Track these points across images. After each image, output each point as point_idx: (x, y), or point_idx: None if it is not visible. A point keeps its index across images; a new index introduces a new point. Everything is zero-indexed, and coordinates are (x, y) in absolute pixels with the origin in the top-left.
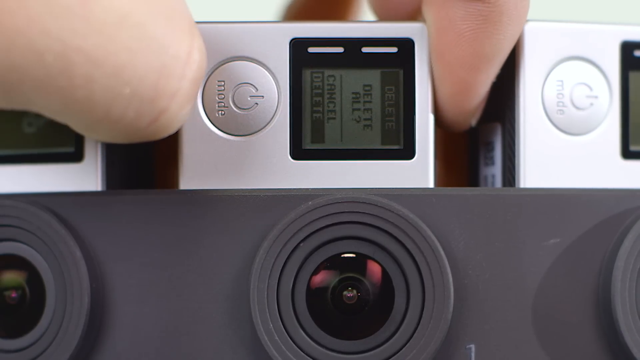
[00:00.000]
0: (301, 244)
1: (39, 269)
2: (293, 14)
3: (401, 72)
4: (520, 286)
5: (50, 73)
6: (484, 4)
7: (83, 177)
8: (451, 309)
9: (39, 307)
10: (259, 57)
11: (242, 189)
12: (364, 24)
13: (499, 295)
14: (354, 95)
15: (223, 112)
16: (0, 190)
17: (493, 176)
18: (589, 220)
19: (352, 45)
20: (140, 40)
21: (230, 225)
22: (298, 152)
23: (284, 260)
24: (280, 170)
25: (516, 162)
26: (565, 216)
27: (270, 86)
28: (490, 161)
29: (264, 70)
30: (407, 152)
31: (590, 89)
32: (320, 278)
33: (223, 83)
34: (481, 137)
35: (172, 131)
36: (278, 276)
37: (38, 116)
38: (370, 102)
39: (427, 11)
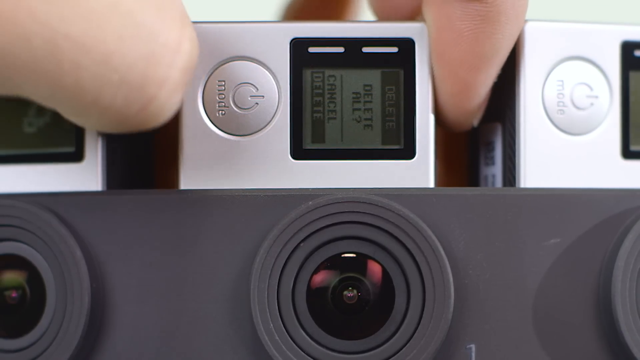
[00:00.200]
0: (301, 244)
1: (39, 268)
2: (292, 14)
3: (401, 72)
4: (520, 286)
5: (37, 58)
6: (481, 3)
7: (83, 177)
8: (451, 309)
9: (39, 307)
10: (259, 57)
11: (242, 189)
12: (364, 23)
13: (499, 295)
14: (355, 95)
15: (223, 112)
16: (0, 190)
17: (493, 176)
18: (589, 220)
19: (353, 45)
20: (129, 28)
21: (230, 225)
22: (298, 152)
23: (284, 260)
24: (281, 170)
25: (516, 162)
26: (566, 216)
27: (271, 86)
28: (490, 161)
29: (265, 70)
30: (407, 152)
31: (591, 88)
32: (320, 278)
33: (223, 83)
34: (481, 137)
35: (162, 120)
36: (278, 276)
37: (38, 116)
38: (370, 102)
39: (427, 11)
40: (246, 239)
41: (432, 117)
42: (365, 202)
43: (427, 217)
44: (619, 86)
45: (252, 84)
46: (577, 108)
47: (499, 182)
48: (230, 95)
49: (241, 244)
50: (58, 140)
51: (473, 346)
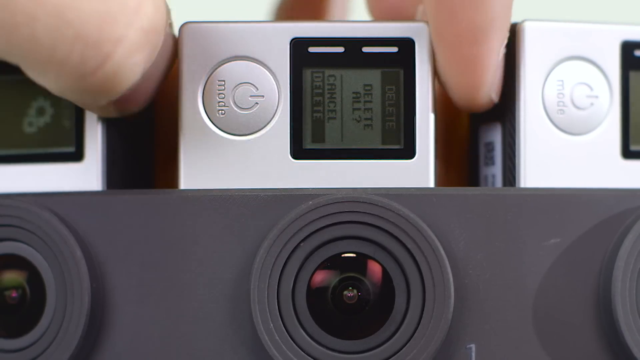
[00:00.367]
0: (301, 244)
1: (39, 268)
2: (283, 13)
3: (401, 71)
4: (520, 286)
5: None
6: None
7: (83, 177)
8: (452, 309)
9: (39, 307)
10: (259, 56)
11: (242, 189)
12: (364, 23)
13: (500, 295)
14: (355, 95)
15: (223, 112)
16: (0, 190)
17: (493, 176)
18: (589, 220)
19: (353, 45)
20: None
21: (230, 225)
22: (298, 151)
23: (284, 260)
24: (281, 170)
25: (516, 161)
26: (566, 216)
27: (271, 86)
28: (490, 161)
29: (265, 70)
30: (407, 151)
31: (591, 88)
32: (320, 278)
33: (223, 83)
34: (481, 137)
35: (124, 84)
36: (278, 276)
37: (38, 116)
38: (370, 101)
39: None
40: (246, 239)
41: (432, 117)
42: (365, 202)
43: (427, 217)
44: (619, 86)
45: (252, 84)
46: (577, 108)
47: (499, 182)
48: (230, 95)
49: (241, 244)
50: (58, 140)
51: (473, 346)
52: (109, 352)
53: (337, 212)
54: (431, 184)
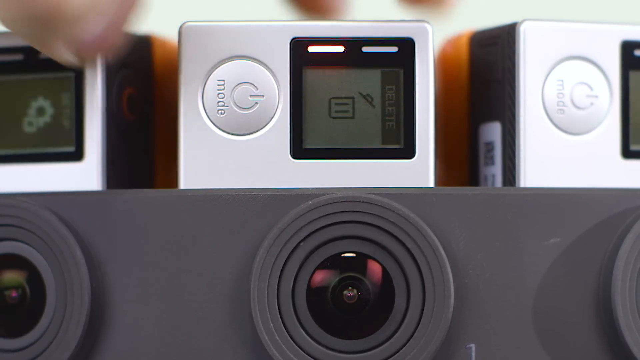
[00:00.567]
0: (301, 244)
1: (39, 268)
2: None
3: (401, 71)
4: (520, 286)
5: None
6: None
7: (83, 176)
8: (451, 309)
9: (39, 306)
10: (259, 56)
11: (242, 189)
12: (364, 23)
13: (499, 294)
14: (355, 95)
15: (223, 112)
16: (0, 190)
17: (493, 176)
18: (589, 220)
19: (353, 44)
20: None
21: (230, 225)
22: (298, 151)
23: (284, 260)
24: (281, 170)
25: (516, 161)
26: (565, 216)
27: (271, 85)
28: (490, 161)
29: (264, 69)
30: (407, 151)
31: (591, 88)
32: (320, 277)
33: (223, 82)
34: (481, 136)
35: (69, 13)
36: (278, 276)
37: (38, 116)
38: (370, 101)
39: None
40: (246, 239)
41: (432, 117)
42: (365, 202)
43: (427, 216)
44: (618, 86)
45: (251, 84)
46: (577, 108)
47: (499, 182)
48: (230, 95)
49: (241, 244)
50: (58, 140)
51: (473, 346)
52: (109, 352)
53: (337, 212)
54: (431, 183)
